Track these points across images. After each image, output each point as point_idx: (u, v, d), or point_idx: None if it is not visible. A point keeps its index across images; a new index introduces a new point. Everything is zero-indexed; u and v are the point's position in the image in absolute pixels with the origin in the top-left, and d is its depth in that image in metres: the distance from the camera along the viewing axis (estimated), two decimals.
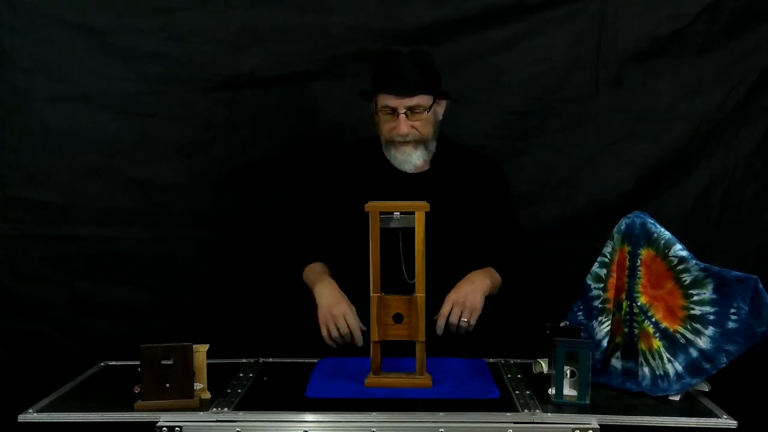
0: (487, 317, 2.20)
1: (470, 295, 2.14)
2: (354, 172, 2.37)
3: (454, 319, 2.12)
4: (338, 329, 2.11)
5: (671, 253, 1.96)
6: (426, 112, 2.23)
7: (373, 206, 1.97)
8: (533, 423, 1.78)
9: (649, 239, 2.00)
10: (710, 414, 1.84)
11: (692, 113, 2.75)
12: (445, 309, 2.13)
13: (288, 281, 2.41)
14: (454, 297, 2.14)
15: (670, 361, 1.95)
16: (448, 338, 2.13)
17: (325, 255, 2.37)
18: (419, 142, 2.26)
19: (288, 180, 2.79)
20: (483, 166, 2.40)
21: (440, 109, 2.32)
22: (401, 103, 2.20)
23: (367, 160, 2.37)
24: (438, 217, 2.05)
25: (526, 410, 1.82)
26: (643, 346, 2.00)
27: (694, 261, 1.94)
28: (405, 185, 2.29)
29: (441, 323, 2.12)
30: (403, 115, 2.21)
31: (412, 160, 2.27)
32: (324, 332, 2.14)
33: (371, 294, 1.98)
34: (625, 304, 2.05)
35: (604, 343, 2.05)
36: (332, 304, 2.14)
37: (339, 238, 2.32)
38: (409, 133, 2.23)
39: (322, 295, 2.18)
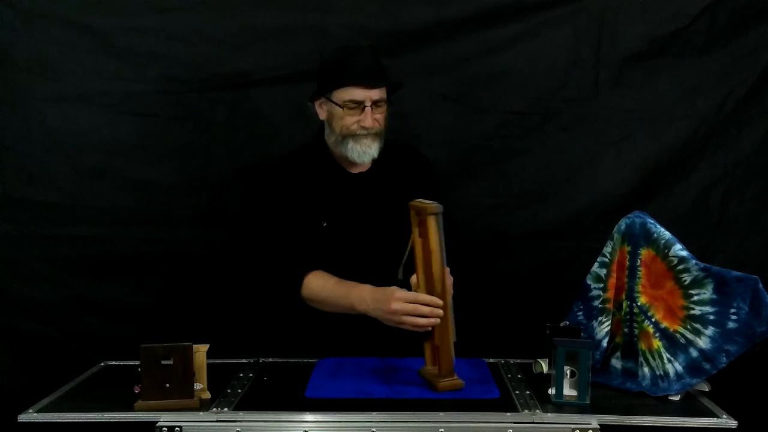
0: (487, 317, 2.19)
1: None
2: (298, 178, 2.33)
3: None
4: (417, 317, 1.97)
5: (671, 253, 1.96)
6: (385, 105, 2.27)
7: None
8: (533, 423, 1.78)
9: (649, 239, 2.00)
10: (710, 414, 1.84)
11: (692, 113, 2.75)
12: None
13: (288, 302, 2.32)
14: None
15: (670, 361, 1.95)
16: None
17: (313, 260, 2.28)
18: (378, 135, 2.27)
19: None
20: (415, 160, 2.43)
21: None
22: (368, 96, 2.21)
23: (309, 164, 2.35)
24: (386, 213, 2.11)
25: (526, 410, 1.83)
26: (643, 346, 2.00)
27: (694, 261, 1.94)
28: (351, 185, 2.32)
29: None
30: (369, 108, 2.22)
31: (371, 152, 2.27)
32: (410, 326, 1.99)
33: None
34: (625, 304, 2.05)
35: (604, 343, 2.05)
36: (383, 305, 2.02)
37: (309, 243, 2.28)
38: (373, 126, 2.24)
39: (367, 302, 2.08)
